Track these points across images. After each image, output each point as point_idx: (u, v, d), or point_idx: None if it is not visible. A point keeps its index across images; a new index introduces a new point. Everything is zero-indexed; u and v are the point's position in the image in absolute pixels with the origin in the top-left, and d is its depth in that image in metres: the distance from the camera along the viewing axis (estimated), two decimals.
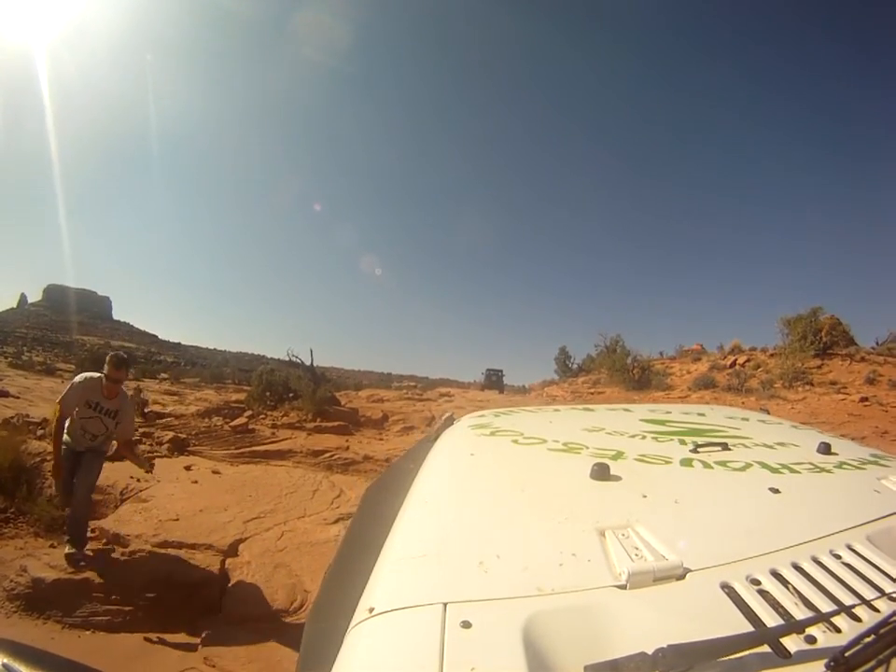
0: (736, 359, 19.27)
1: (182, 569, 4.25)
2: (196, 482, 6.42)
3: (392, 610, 0.70)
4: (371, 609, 0.71)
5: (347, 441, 8.75)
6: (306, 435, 8.88)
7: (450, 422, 1.84)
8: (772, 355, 18.48)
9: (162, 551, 4.46)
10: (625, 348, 18.42)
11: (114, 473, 6.58)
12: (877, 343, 19.08)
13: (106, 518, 5.47)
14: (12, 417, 9.41)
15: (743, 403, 13.51)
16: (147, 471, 4.76)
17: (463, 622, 0.66)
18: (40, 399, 16.73)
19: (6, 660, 0.69)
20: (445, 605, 0.69)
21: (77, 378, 4.16)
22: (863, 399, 12.92)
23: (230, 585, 4.06)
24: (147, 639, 3.84)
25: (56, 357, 56.38)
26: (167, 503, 5.54)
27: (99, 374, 4.14)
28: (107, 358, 4.17)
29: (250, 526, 4.94)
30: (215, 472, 6.92)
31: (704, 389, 15.80)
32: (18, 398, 15.87)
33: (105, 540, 4.97)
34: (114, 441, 4.70)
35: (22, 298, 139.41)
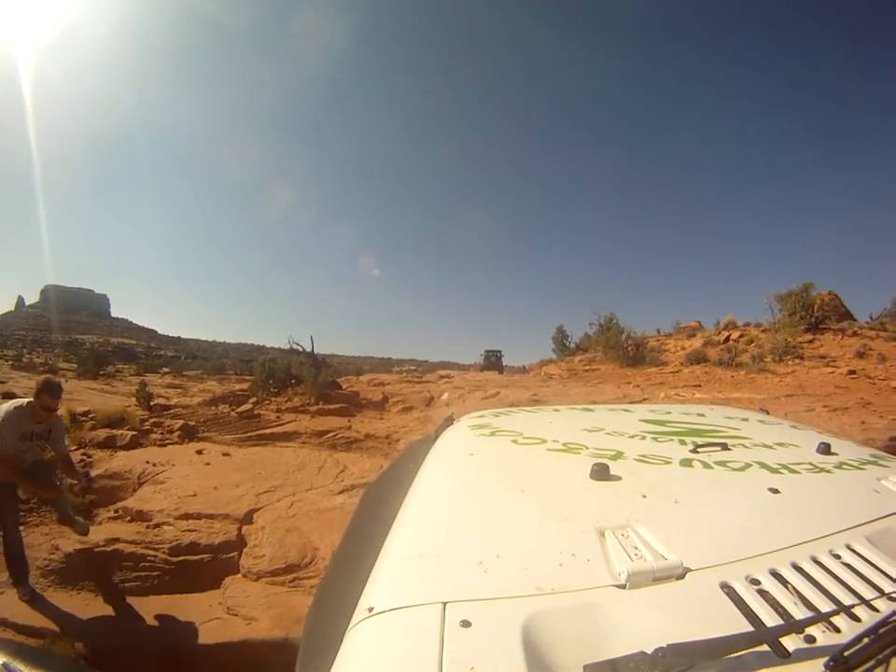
0: (730, 335, 19.50)
1: (203, 537, 4.65)
2: (208, 463, 6.79)
3: (392, 610, 0.71)
4: (371, 609, 0.72)
5: (349, 421, 9.09)
6: (310, 417, 9.23)
7: (450, 422, 1.86)
8: (764, 330, 18.69)
9: (184, 522, 4.87)
10: (619, 326, 18.68)
11: (130, 460, 6.98)
12: (871, 318, 19.40)
13: (127, 499, 5.88)
14: None
15: (732, 377, 13.84)
16: (81, 483, 4.69)
17: (462, 621, 0.67)
18: None
19: (5, 660, 0.72)
20: (445, 604, 0.70)
21: (5, 412, 3.74)
22: (851, 372, 12.95)
23: (247, 548, 4.47)
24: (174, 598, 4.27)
25: (56, 357, 56.55)
26: (183, 483, 5.93)
27: (28, 400, 3.84)
28: (42, 385, 3.82)
29: (262, 498, 5.34)
30: (225, 454, 7.27)
31: (695, 364, 16.11)
32: (24, 398, 16.20)
33: (129, 518, 5.39)
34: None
35: (20, 300, 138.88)
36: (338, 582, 0.99)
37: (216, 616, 3.79)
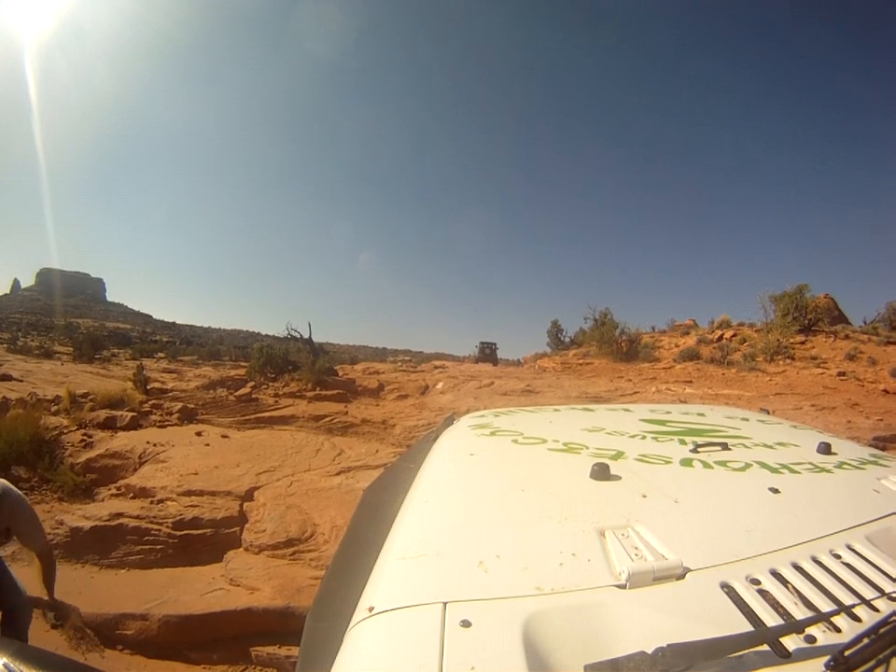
0: (723, 334, 19.66)
1: (206, 512, 4.82)
2: (208, 444, 6.94)
3: (392, 610, 0.71)
4: (371, 609, 0.72)
5: (346, 407, 9.24)
6: (307, 403, 9.37)
7: (450, 422, 1.86)
8: (758, 330, 18.85)
9: (187, 498, 5.03)
10: (614, 321, 18.81)
11: (130, 440, 7.11)
12: (864, 323, 19.65)
13: (129, 477, 6.02)
14: (27, 396, 9.87)
15: (723, 374, 14.04)
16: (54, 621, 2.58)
17: (463, 621, 0.66)
18: (43, 381, 17.11)
19: (6, 660, 0.70)
20: (445, 604, 0.70)
21: None
22: (841, 374, 13.09)
23: (248, 523, 4.65)
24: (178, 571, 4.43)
25: (52, 341, 56.29)
26: (184, 462, 6.08)
27: None
28: None
29: (262, 478, 5.52)
30: (224, 436, 7.40)
31: (688, 361, 16.30)
32: (21, 381, 16.21)
33: (132, 494, 5.54)
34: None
35: (15, 283, 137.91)
36: (338, 582, 1.00)
37: (219, 587, 3.97)
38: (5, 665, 0.70)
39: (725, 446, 1.37)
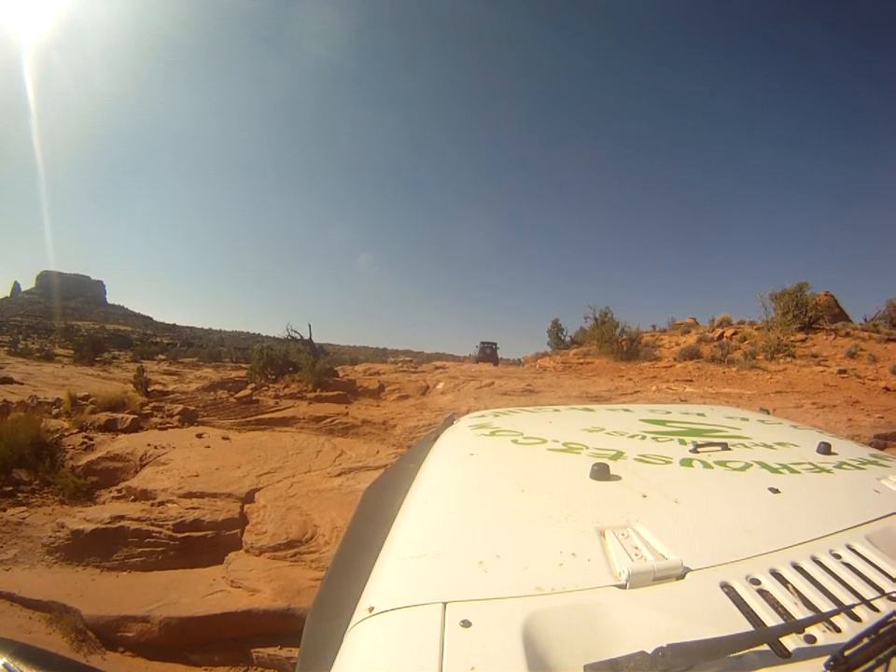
0: (724, 332, 19.67)
1: (207, 514, 4.82)
2: (209, 446, 6.94)
3: (392, 610, 0.71)
4: (371, 609, 0.72)
5: (346, 408, 9.26)
6: (307, 404, 9.38)
7: (450, 422, 1.86)
8: (758, 328, 18.85)
9: (188, 500, 5.03)
10: (614, 320, 18.79)
11: (131, 442, 7.11)
12: (865, 320, 19.68)
13: (130, 479, 6.02)
14: (28, 399, 9.88)
15: (724, 373, 14.03)
16: None
17: (463, 621, 0.67)
18: (44, 384, 17.12)
19: (6, 660, 0.70)
20: (445, 604, 0.70)
21: None
22: (841, 372, 13.12)
23: (249, 525, 4.65)
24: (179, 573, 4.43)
25: (52, 344, 56.25)
26: (185, 464, 6.09)
27: None
28: None
29: (263, 479, 5.53)
30: (225, 438, 7.41)
31: (688, 360, 16.28)
32: (22, 384, 16.22)
33: (133, 497, 5.54)
34: None
35: (15, 286, 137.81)
36: (338, 582, 1.00)
37: (220, 589, 3.97)
38: (5, 665, 0.69)
39: (725, 446, 1.37)
